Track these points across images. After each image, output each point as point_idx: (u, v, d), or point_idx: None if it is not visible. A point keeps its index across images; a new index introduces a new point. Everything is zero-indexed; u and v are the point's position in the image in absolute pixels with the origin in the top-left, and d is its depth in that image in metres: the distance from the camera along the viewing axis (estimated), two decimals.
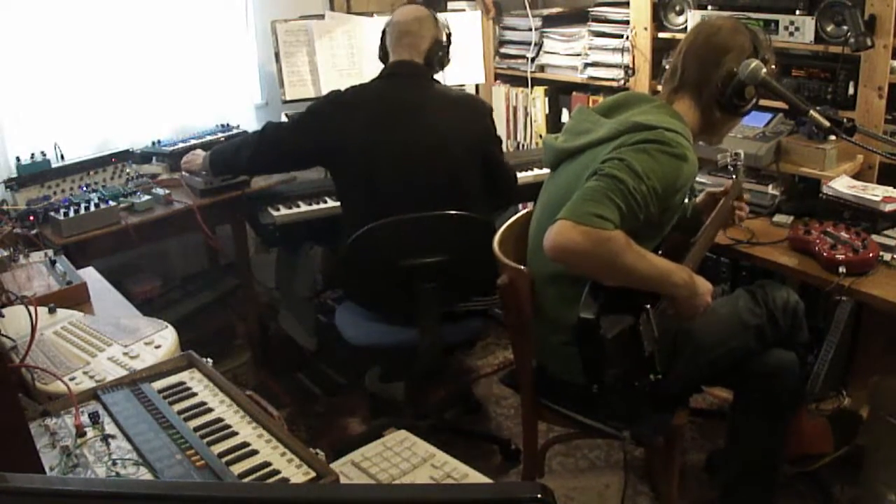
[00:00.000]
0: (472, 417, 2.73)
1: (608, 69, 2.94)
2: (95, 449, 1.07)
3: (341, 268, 2.27)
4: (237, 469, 1.03)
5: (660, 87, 2.10)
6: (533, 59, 3.22)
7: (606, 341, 1.53)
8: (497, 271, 1.83)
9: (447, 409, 2.74)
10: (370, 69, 2.85)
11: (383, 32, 2.40)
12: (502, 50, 3.39)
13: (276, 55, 2.96)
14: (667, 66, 2.11)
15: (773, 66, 1.81)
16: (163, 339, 1.40)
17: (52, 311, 1.55)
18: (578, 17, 3.14)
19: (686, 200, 1.87)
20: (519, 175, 2.58)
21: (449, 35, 2.39)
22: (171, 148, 2.79)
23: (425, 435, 2.34)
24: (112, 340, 1.41)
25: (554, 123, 3.23)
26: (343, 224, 2.33)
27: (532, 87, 3.24)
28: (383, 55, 2.40)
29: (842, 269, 1.85)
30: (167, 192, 2.52)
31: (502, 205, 2.66)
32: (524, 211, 2.05)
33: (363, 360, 2.94)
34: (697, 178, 2.26)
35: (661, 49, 2.76)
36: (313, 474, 1.02)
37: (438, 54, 2.33)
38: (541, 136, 3.24)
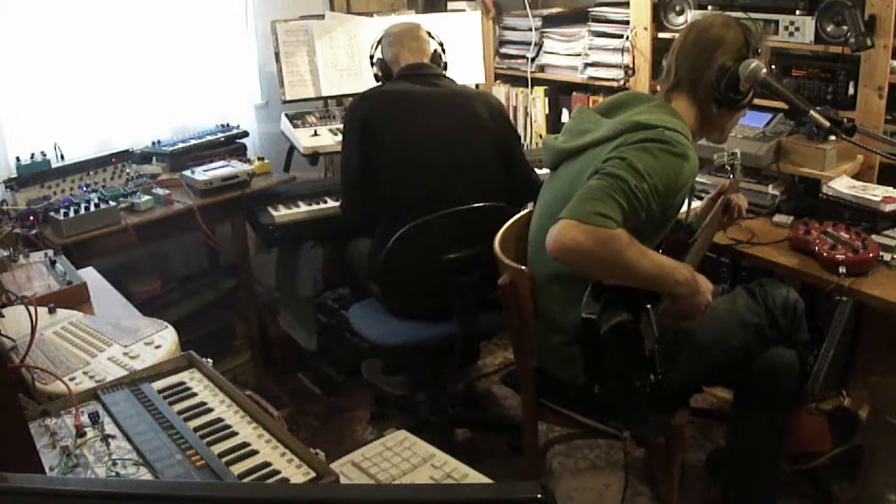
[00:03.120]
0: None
1: (608, 69, 2.94)
2: (95, 449, 1.07)
3: (376, 266, 2.28)
4: (237, 469, 1.03)
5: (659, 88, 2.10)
6: (533, 59, 3.22)
7: (602, 334, 1.53)
8: None
9: (459, 402, 2.75)
10: (370, 69, 2.85)
11: (379, 44, 2.51)
12: (502, 50, 3.39)
13: (276, 55, 2.96)
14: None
15: (773, 66, 1.80)
16: (163, 339, 1.40)
17: (52, 311, 1.55)
18: (578, 17, 3.14)
19: (689, 205, 1.86)
20: None
21: (441, 44, 2.59)
22: (171, 148, 2.78)
23: (445, 428, 2.38)
24: (112, 340, 1.41)
25: (554, 123, 3.23)
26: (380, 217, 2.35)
27: (532, 87, 3.24)
28: (384, 65, 2.49)
29: (842, 269, 1.85)
30: (167, 192, 2.52)
31: (522, 202, 2.69)
32: (524, 211, 2.05)
33: (364, 360, 2.95)
34: (697, 178, 2.25)
35: (661, 49, 2.75)
36: (313, 474, 1.02)
37: (440, 60, 2.48)
38: (541, 137, 3.24)
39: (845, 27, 2.14)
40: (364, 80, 3.04)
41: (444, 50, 2.57)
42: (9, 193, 2.43)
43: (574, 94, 3.14)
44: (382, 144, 2.24)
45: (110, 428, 1.12)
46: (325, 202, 2.71)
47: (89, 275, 1.89)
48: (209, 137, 2.87)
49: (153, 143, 2.85)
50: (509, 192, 2.36)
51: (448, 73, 2.50)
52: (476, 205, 2.15)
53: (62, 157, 2.61)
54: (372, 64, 2.56)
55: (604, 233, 1.49)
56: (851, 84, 2.22)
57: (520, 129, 3.36)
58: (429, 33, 2.52)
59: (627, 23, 2.81)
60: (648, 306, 1.62)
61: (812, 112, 1.74)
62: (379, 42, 2.53)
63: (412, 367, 2.72)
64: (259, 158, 2.84)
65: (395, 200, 2.25)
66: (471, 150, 2.26)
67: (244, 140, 2.97)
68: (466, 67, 3.11)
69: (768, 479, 1.91)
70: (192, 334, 2.74)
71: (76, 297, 1.71)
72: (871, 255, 1.88)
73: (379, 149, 2.24)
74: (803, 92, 2.33)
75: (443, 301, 2.17)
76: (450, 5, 3.43)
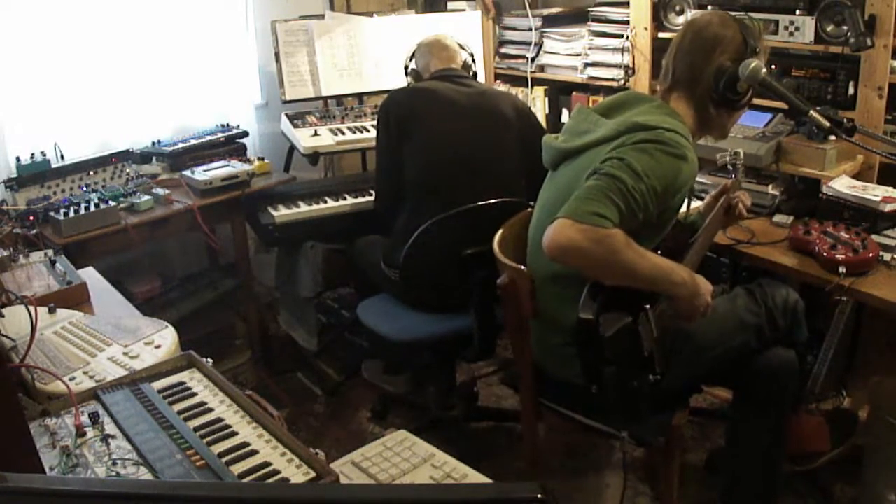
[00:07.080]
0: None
1: (608, 69, 2.94)
2: (95, 449, 1.07)
3: (396, 259, 2.28)
4: (237, 469, 1.03)
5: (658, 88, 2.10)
6: (533, 59, 3.21)
7: (605, 340, 1.53)
8: None
9: (465, 399, 2.75)
10: (370, 69, 2.86)
11: (413, 56, 2.60)
12: (502, 50, 3.39)
13: (276, 55, 2.96)
14: None
15: (772, 65, 1.79)
16: (163, 339, 1.40)
17: (52, 311, 1.55)
18: (578, 17, 3.14)
19: (689, 205, 1.86)
20: None
21: (472, 55, 2.67)
22: (171, 148, 2.79)
23: (456, 423, 2.38)
24: (112, 340, 1.41)
25: (554, 123, 3.23)
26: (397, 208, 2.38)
27: (532, 87, 3.24)
28: (417, 74, 2.58)
29: (842, 269, 1.85)
30: (167, 192, 2.53)
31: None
32: (524, 211, 2.05)
33: (364, 359, 2.94)
34: (698, 178, 2.25)
35: (661, 49, 2.74)
36: (313, 474, 1.02)
37: (470, 69, 2.58)
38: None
39: (845, 27, 2.14)
40: (364, 80, 3.04)
41: (474, 60, 2.66)
42: (9, 193, 2.43)
43: (574, 94, 3.13)
44: (409, 137, 2.29)
45: (110, 428, 1.12)
46: (325, 202, 2.71)
47: (89, 275, 1.89)
48: (209, 137, 2.88)
49: (153, 143, 2.85)
50: (530, 189, 2.38)
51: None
52: (495, 200, 2.17)
53: (62, 157, 2.62)
54: (406, 74, 2.63)
55: (600, 232, 1.49)
56: (851, 84, 2.22)
57: None
58: (460, 45, 2.61)
59: (627, 23, 2.81)
60: (647, 307, 1.62)
61: (812, 112, 1.74)
62: (413, 54, 2.62)
63: (421, 363, 2.73)
64: (259, 158, 2.85)
65: (417, 193, 2.29)
66: (494, 147, 2.30)
67: (244, 140, 2.97)
68: None
69: (768, 480, 1.91)
70: (192, 334, 2.73)
71: (76, 297, 1.71)
72: (871, 255, 1.88)
73: (405, 142, 2.29)
74: (803, 92, 2.33)
75: (462, 295, 2.19)
76: (450, 5, 3.43)
